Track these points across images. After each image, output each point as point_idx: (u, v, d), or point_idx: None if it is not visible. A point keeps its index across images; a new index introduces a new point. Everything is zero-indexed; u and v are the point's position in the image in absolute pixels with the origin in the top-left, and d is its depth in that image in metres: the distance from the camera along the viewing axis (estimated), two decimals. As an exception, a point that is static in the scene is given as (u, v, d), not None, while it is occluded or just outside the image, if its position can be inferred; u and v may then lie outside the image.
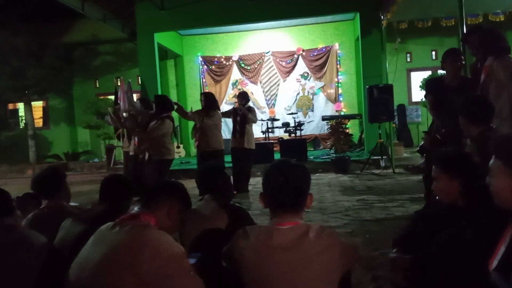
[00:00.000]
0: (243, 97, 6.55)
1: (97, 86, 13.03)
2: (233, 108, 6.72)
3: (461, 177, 1.87)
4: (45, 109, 13.56)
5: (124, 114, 6.76)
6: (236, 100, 7.11)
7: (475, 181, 1.88)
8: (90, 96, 12.66)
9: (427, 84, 4.17)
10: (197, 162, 6.28)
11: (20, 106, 13.35)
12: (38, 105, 13.40)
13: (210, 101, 6.07)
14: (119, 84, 10.46)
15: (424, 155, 4.14)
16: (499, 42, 3.23)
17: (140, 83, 10.43)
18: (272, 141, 9.66)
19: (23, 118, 13.00)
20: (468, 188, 1.87)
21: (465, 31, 4.60)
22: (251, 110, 6.45)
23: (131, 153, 6.39)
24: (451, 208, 1.95)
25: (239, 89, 11.54)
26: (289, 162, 1.58)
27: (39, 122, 13.43)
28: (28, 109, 12.54)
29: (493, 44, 3.25)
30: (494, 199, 1.41)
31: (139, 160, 5.92)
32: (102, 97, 12.55)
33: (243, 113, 6.31)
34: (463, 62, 3.77)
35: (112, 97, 10.99)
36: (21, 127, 13.25)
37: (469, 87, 3.49)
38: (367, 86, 8.10)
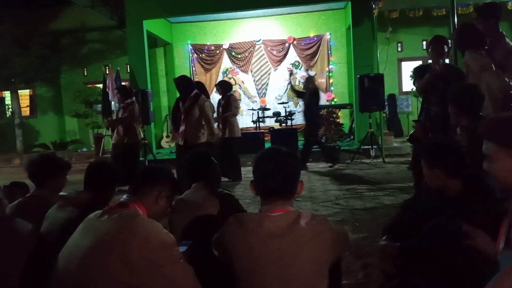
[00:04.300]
0: (221, 86, 6.54)
1: (85, 74, 12.82)
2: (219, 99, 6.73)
3: (442, 166, 1.88)
4: (32, 98, 13.32)
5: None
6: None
7: (459, 170, 1.89)
8: (78, 84, 12.47)
9: (415, 71, 4.26)
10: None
11: (7, 94, 13.09)
12: (25, 94, 13.16)
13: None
14: (107, 72, 10.33)
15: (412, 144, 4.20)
16: (473, 37, 3.29)
17: (128, 71, 10.28)
18: (262, 130, 9.65)
19: (10, 106, 12.76)
20: (452, 177, 1.89)
21: (456, 21, 4.63)
22: (231, 99, 6.43)
23: (113, 142, 6.41)
24: (439, 196, 1.97)
25: (230, 78, 11.47)
26: (280, 149, 1.57)
27: (26, 111, 13.20)
28: (15, 97, 12.31)
29: (465, 40, 3.35)
30: (498, 184, 1.39)
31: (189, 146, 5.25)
32: (90, 86, 12.38)
33: (225, 102, 6.35)
34: (447, 49, 3.81)
35: (101, 85, 10.85)
36: (7, 116, 13.01)
37: (454, 74, 3.55)
38: (358, 76, 8.10)
